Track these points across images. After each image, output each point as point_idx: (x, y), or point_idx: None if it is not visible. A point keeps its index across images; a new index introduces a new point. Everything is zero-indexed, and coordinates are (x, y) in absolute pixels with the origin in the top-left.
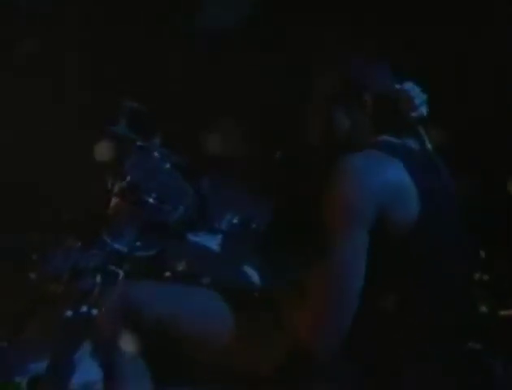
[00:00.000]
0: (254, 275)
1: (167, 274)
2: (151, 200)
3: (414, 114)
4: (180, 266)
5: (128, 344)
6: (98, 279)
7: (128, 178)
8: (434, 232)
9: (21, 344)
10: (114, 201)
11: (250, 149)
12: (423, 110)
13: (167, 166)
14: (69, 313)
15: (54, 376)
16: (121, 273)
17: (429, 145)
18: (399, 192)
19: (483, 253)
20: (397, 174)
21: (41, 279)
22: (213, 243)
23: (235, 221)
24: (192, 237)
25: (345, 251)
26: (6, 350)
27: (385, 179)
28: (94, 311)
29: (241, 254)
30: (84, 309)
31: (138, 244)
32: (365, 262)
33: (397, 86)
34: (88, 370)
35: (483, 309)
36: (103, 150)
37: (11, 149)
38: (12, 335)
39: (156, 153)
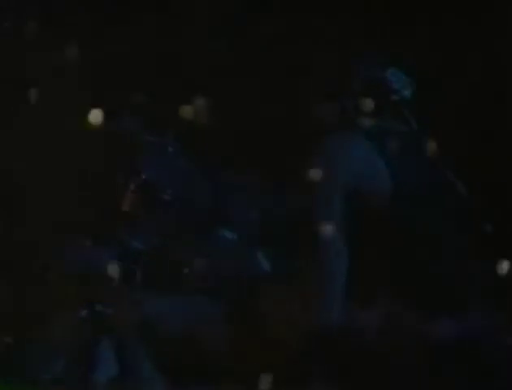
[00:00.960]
0: (265, 263)
1: (185, 270)
2: (167, 196)
3: (394, 98)
4: (198, 261)
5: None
6: (115, 276)
7: (143, 175)
8: (410, 210)
9: (40, 343)
10: (129, 198)
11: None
12: (406, 93)
13: (182, 161)
14: (84, 312)
15: (75, 374)
16: (138, 270)
17: (415, 127)
18: (371, 172)
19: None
20: (369, 155)
21: (57, 279)
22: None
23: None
24: (209, 232)
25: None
26: (26, 349)
27: (357, 160)
28: (109, 310)
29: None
30: (100, 307)
31: (155, 240)
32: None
33: (381, 72)
34: (109, 366)
35: None
36: (116, 147)
37: (25, 149)
38: (29, 334)
39: (170, 149)
